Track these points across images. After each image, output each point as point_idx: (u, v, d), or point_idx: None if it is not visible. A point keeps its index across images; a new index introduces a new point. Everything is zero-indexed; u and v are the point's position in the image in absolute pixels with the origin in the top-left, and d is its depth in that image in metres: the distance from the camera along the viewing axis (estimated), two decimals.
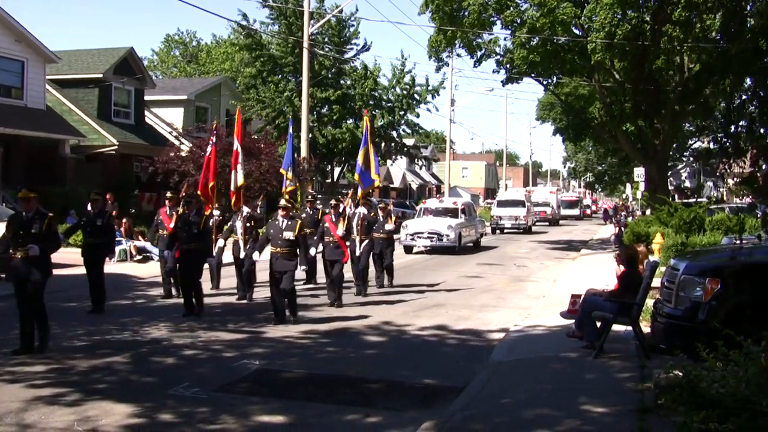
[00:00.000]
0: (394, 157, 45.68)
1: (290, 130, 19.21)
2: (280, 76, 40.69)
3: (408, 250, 27.01)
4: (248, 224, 15.16)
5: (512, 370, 9.17)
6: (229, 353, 10.13)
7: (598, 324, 9.90)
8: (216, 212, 15.95)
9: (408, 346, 11.00)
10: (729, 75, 24.24)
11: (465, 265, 23.07)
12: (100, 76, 32.30)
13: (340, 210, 14.88)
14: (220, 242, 15.23)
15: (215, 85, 41.54)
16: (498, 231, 41.44)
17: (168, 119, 36.53)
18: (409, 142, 51.05)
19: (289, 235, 12.26)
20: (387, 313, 13.75)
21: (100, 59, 33.72)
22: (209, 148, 16.92)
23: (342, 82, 41.45)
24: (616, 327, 9.80)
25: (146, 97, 36.03)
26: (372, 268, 16.87)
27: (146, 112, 36.29)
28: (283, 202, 13.33)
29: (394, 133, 42.89)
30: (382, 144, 42.56)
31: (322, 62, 39.78)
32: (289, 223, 12.47)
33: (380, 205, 18.33)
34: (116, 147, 31.22)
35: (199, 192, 16.37)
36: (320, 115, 40.16)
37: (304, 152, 32.23)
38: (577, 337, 10.25)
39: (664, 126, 29.55)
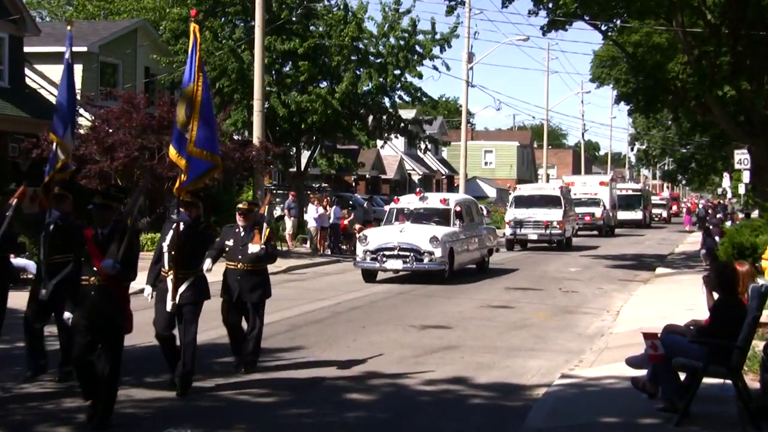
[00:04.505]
0: (386, 135, 45.35)
1: (66, 56, 13.64)
2: (222, 20, 40.61)
3: (369, 276, 25.05)
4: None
5: None
6: (148, 418, 10.10)
7: (682, 375, 9.87)
8: None
9: (407, 407, 10.98)
10: None
11: (487, 291, 23.11)
12: None
13: (117, 219, 10.27)
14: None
15: (129, 32, 41.37)
16: (517, 245, 40.11)
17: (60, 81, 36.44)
18: (409, 114, 50.88)
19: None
20: (376, 359, 13.75)
21: None
22: None
23: (312, 28, 41.34)
24: (707, 380, 9.77)
25: (27, 49, 35.83)
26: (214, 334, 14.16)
27: (27, 71, 36.13)
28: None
29: (387, 102, 42.70)
30: (369, 117, 42.44)
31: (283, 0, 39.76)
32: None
33: (240, 206, 13.47)
34: None
35: None
36: (281, 76, 40.10)
37: (257, 130, 32.21)
38: (648, 392, 10.21)
39: None
